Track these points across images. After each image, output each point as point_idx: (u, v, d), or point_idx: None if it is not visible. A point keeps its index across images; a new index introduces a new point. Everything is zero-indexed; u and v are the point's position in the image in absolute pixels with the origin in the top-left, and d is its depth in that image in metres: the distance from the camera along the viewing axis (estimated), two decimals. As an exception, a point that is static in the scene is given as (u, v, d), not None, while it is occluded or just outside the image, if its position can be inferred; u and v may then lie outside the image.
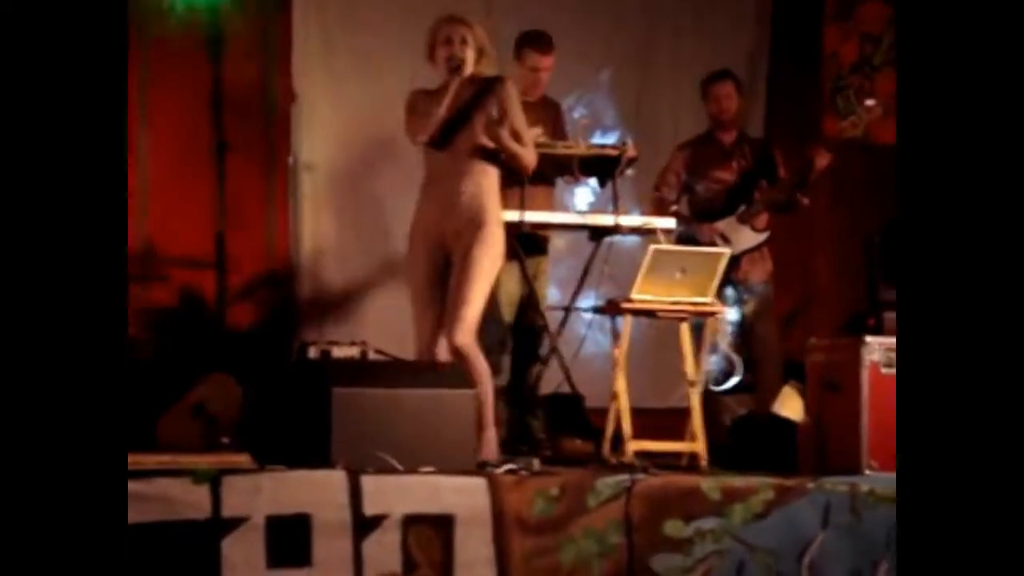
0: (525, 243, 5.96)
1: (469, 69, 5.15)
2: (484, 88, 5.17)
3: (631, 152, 5.99)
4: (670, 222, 6.09)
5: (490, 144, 5.16)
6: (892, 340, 5.21)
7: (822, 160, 6.27)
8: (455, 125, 5.15)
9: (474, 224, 5.12)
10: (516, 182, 5.66)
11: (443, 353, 5.11)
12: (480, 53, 5.20)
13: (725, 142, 6.50)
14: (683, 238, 6.31)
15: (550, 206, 6.18)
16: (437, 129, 5.11)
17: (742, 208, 6.40)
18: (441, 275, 5.17)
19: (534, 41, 6.13)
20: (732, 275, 6.28)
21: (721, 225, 6.38)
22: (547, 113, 6.25)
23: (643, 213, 6.44)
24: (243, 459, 4.53)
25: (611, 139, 6.87)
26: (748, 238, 6.39)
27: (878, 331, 5.27)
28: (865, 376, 5.15)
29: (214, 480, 4.03)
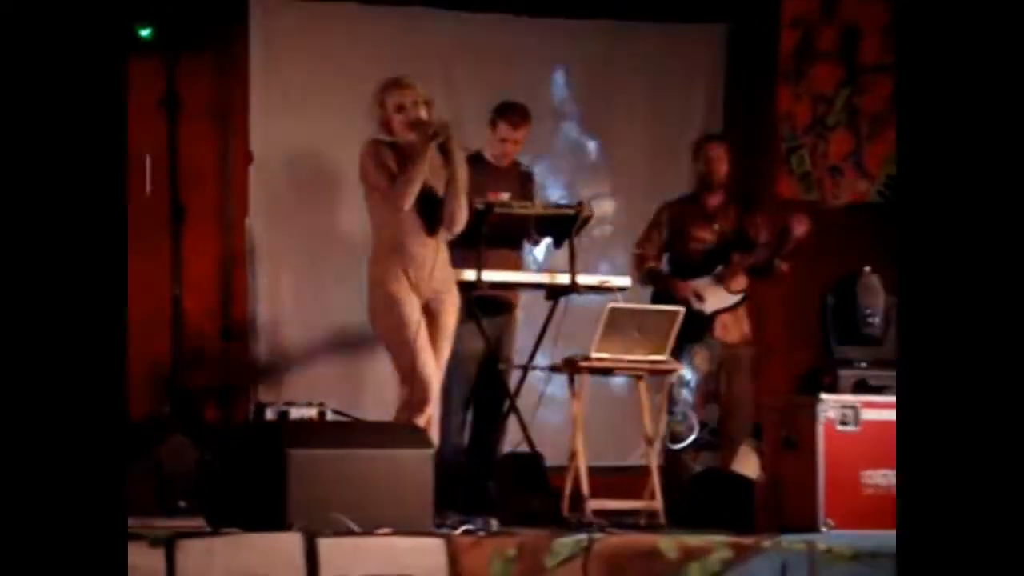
0: (485, 304, 5.98)
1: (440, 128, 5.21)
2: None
3: (588, 211, 6.04)
4: (626, 281, 6.13)
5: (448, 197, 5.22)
6: (847, 398, 5.26)
7: (800, 228, 6.32)
8: (431, 189, 5.24)
9: (447, 287, 5.32)
10: (473, 242, 5.71)
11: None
12: (429, 105, 5.29)
13: (710, 203, 6.54)
14: (658, 295, 6.34)
15: (517, 267, 6.22)
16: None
17: (719, 268, 6.44)
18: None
19: (509, 113, 6.22)
20: (708, 334, 6.31)
21: (696, 283, 6.41)
22: (516, 178, 6.31)
23: (610, 272, 6.48)
24: (198, 523, 4.50)
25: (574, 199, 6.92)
26: (723, 298, 6.43)
27: (833, 389, 5.32)
28: (820, 433, 5.18)
29: (169, 544, 4.00)
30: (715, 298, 6.40)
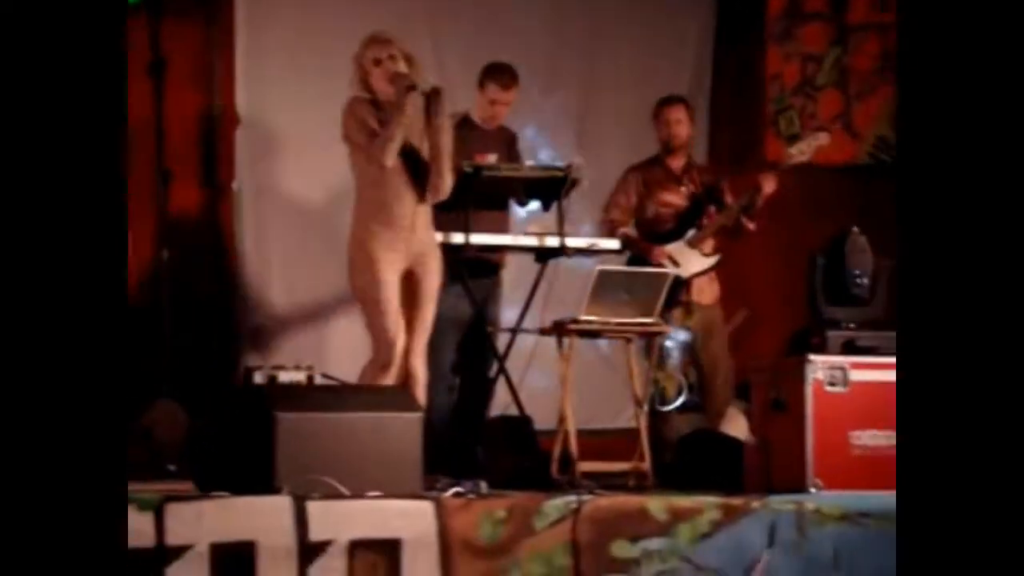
0: (471, 266, 5.97)
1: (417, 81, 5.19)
2: (428, 101, 5.22)
3: (576, 173, 6.02)
4: (615, 243, 6.12)
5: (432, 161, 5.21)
6: (835, 359, 5.26)
7: (769, 186, 6.33)
8: (409, 147, 5.21)
9: (430, 249, 5.32)
10: (461, 206, 5.70)
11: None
12: (410, 61, 5.25)
13: (675, 167, 6.54)
14: (633, 260, 6.34)
15: (505, 230, 6.21)
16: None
17: (691, 232, 6.44)
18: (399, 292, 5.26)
19: (498, 75, 6.20)
20: (682, 297, 6.32)
21: (670, 248, 6.41)
22: (503, 141, 6.30)
23: (592, 233, 6.47)
24: (187, 486, 4.50)
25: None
26: (697, 262, 6.43)
27: (822, 350, 5.32)
28: (809, 394, 5.19)
29: (158, 508, 4.00)
30: (690, 262, 6.39)
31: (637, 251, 6.41)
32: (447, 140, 5.28)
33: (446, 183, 5.28)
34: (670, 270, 6.14)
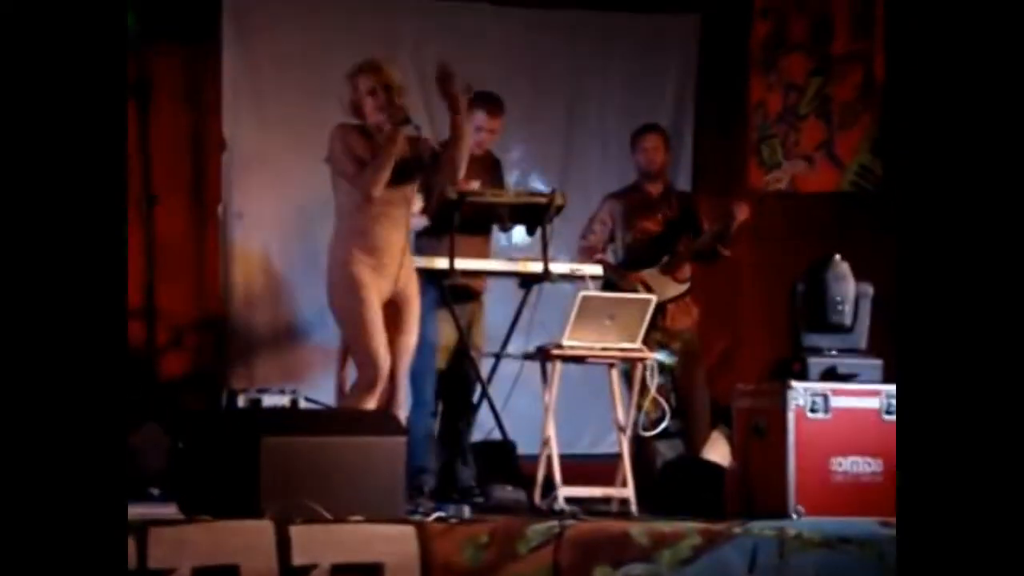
0: (454, 292, 5.99)
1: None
2: (434, 156, 5.36)
3: (560, 200, 6.05)
4: (598, 269, 6.16)
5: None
6: (817, 385, 5.30)
7: (742, 213, 6.40)
8: (399, 177, 5.26)
9: (411, 273, 5.37)
10: (446, 230, 5.72)
11: None
12: (400, 93, 5.29)
13: (652, 193, 6.61)
14: (607, 285, 6.38)
15: (486, 255, 6.23)
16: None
17: (665, 259, 6.49)
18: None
19: (486, 103, 6.22)
20: (659, 323, 6.35)
21: (644, 274, 6.46)
22: (487, 167, 6.32)
23: (572, 260, 6.50)
24: (170, 510, 4.50)
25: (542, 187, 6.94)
26: (670, 288, 6.48)
27: (803, 376, 5.35)
28: (791, 421, 5.22)
29: (140, 531, 4.00)
30: (663, 288, 6.43)
31: (612, 277, 6.46)
32: (462, 156, 5.37)
33: (464, 143, 5.39)
34: (648, 295, 6.18)
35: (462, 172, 5.42)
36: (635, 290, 6.28)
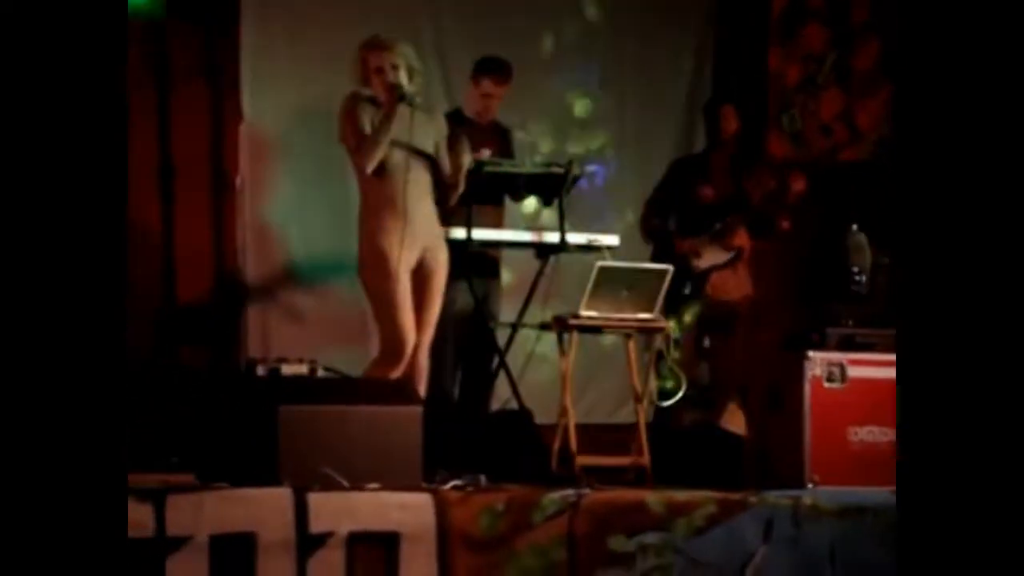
0: (472, 261, 6.00)
1: (408, 90, 5.28)
2: (446, 132, 5.44)
3: (576, 170, 6.05)
4: (614, 239, 6.14)
5: (450, 179, 5.43)
6: (834, 355, 5.29)
7: (798, 184, 6.35)
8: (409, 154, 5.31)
9: (438, 243, 5.43)
10: (463, 202, 5.73)
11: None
12: (411, 72, 5.31)
13: (716, 162, 6.55)
14: (659, 253, 6.34)
15: (500, 224, 6.23)
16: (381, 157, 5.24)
17: (717, 226, 6.45)
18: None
19: (492, 69, 6.21)
20: (700, 290, 6.33)
21: (695, 241, 6.42)
22: (496, 136, 6.32)
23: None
24: (188, 477, 4.53)
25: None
26: (716, 255, 6.44)
27: (820, 346, 5.35)
28: (807, 391, 5.22)
29: (158, 498, 4.03)
30: (709, 255, 6.41)
31: (664, 243, 6.41)
32: (466, 162, 5.49)
33: (458, 193, 5.50)
34: (692, 262, 6.17)
35: (459, 193, 5.52)
36: (685, 256, 6.25)
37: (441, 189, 5.46)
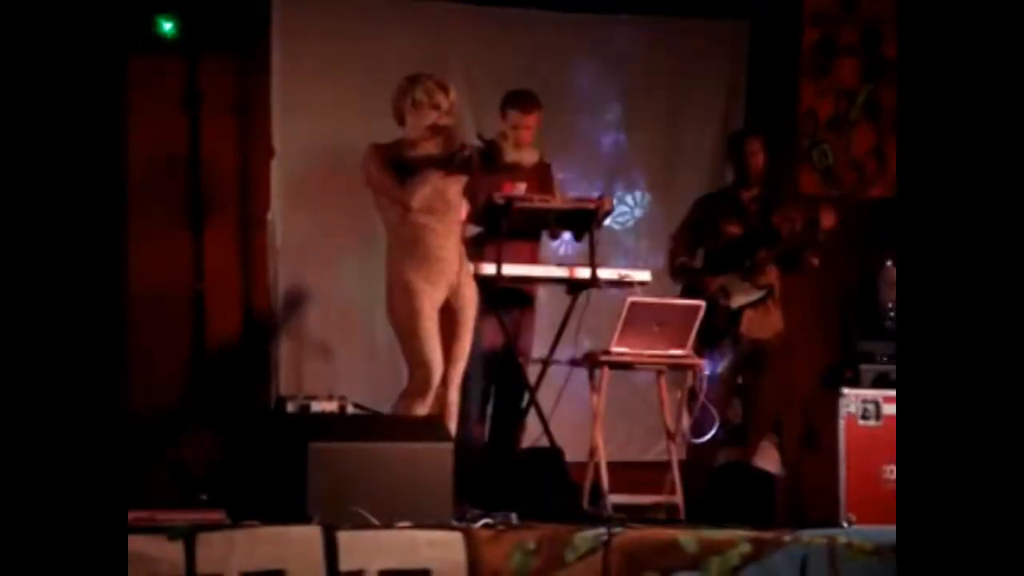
0: (504, 297, 5.98)
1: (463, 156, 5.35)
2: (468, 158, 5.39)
3: (608, 205, 6.03)
4: (646, 275, 6.11)
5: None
6: (868, 392, 5.24)
7: (828, 220, 6.30)
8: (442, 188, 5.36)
9: (466, 280, 5.44)
10: (493, 235, 5.72)
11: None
12: (450, 113, 5.42)
13: (744, 197, 6.51)
14: (688, 291, 6.31)
15: (535, 260, 6.23)
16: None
17: (746, 263, 6.41)
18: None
19: (517, 102, 6.22)
20: (733, 328, 6.28)
21: (724, 279, 6.38)
22: (535, 170, 6.29)
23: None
24: (218, 515, 4.51)
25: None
26: (748, 293, 6.39)
27: (855, 384, 5.30)
28: (842, 428, 5.17)
29: (188, 537, 4.01)
30: (740, 293, 6.37)
31: (692, 281, 6.38)
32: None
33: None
34: (720, 301, 6.13)
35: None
36: (714, 295, 6.20)
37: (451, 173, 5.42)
